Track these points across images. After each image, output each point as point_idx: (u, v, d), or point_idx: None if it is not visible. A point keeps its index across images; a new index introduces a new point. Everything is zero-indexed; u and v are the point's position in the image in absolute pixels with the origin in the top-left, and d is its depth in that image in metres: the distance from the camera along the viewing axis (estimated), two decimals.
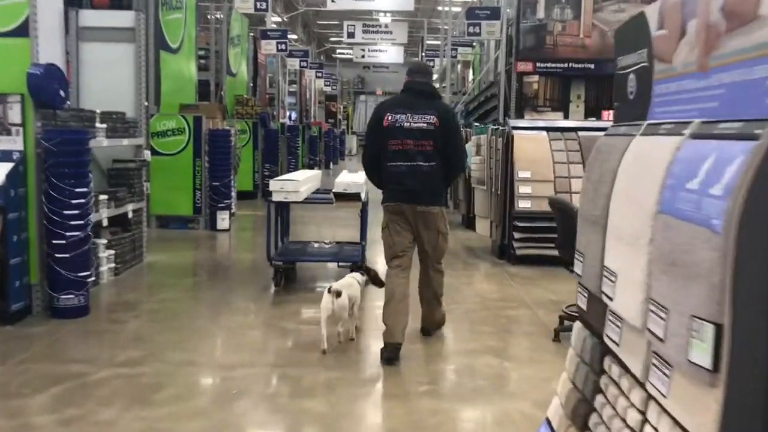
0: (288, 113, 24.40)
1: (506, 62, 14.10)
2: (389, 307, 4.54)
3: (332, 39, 41.38)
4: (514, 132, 8.08)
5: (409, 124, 4.50)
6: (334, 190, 6.28)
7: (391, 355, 4.45)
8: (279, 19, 32.78)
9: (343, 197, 6.17)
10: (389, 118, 4.55)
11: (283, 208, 7.07)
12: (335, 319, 4.63)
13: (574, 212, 4.59)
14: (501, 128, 8.38)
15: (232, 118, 13.96)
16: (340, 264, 6.62)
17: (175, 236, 9.61)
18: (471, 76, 19.29)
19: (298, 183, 6.25)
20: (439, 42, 25.18)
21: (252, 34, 17.40)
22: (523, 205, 7.87)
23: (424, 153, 4.49)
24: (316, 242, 7.54)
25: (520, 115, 13.17)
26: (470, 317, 5.79)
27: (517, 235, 7.85)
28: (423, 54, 22.46)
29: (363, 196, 6.31)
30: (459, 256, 8.51)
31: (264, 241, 6.73)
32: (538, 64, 13.51)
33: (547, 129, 8.44)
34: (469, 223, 10.52)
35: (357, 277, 5.03)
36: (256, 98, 16.36)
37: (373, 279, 5.13)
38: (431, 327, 5.08)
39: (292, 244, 7.43)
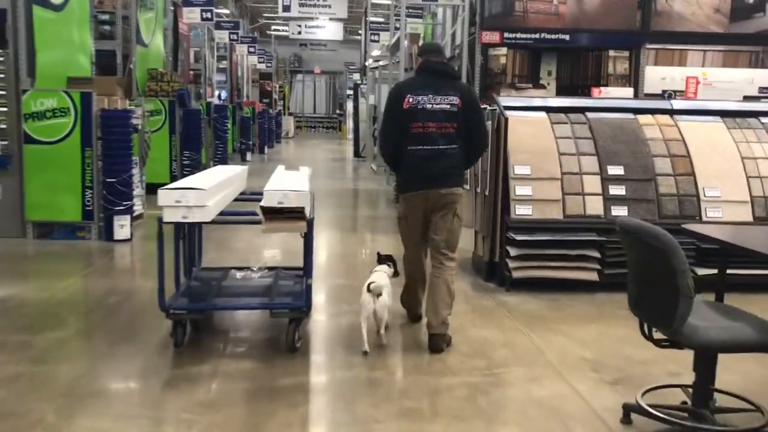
0: (217, 92, 21.83)
1: (469, 32, 11.98)
2: (410, 291, 4.73)
3: (266, 15, 38.59)
4: (507, 114, 5.94)
5: (431, 105, 4.26)
6: (262, 204, 4.00)
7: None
8: None
9: (277, 215, 3.92)
10: (410, 99, 4.29)
11: (191, 227, 4.79)
12: (376, 320, 4.27)
13: (669, 247, 2.54)
14: (489, 109, 6.23)
15: (144, 95, 11.45)
16: (274, 313, 4.37)
17: (55, 251, 7.17)
18: None
19: (204, 193, 3.96)
20: (380, 19, 22.95)
21: None
22: (521, 211, 5.77)
23: (447, 135, 4.28)
24: (240, 269, 5.27)
25: (484, 96, 11.14)
26: (479, 408, 3.62)
27: (513, 252, 5.75)
28: (368, 29, 20.11)
29: (308, 210, 4.07)
30: None
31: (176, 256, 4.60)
32: (505, 35, 11.47)
33: (547, 109, 6.34)
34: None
35: (387, 270, 4.60)
36: (177, 74, 13.84)
37: (396, 272, 4.73)
38: (442, 334, 4.35)
39: (204, 275, 5.13)
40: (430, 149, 4.26)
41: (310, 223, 4.13)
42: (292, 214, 3.91)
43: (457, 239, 4.52)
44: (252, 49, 23.27)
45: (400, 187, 4.61)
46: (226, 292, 4.73)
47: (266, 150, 22.92)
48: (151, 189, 11.41)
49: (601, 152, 5.98)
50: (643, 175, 5.90)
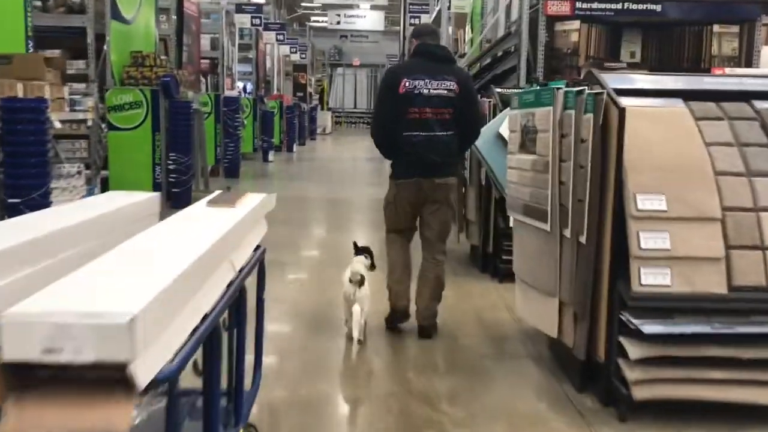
0: (240, 84, 19.47)
1: (530, 3, 9.28)
2: (395, 272, 4.32)
3: (304, 4, 36.22)
4: (623, 101, 3.27)
5: (428, 90, 4.10)
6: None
7: (399, 320, 4.32)
8: None
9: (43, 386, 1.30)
10: (406, 84, 4.10)
11: None
12: (357, 310, 3.95)
13: None
14: (587, 93, 3.52)
15: (120, 84, 9.04)
16: None
17: None
18: (467, 35, 14.40)
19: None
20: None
21: None
22: (650, 278, 3.08)
23: (443, 122, 4.15)
24: None
25: (547, 79, 8.47)
26: None
27: (633, 351, 3.07)
28: (408, 12, 17.46)
29: (160, 363, 1.47)
30: (485, 382, 3.74)
31: None
32: (577, 5, 8.75)
33: (684, 95, 3.62)
34: (491, 268, 5.80)
35: (364, 261, 4.31)
36: (181, 62, 11.44)
37: (373, 264, 4.41)
38: (431, 324, 4.28)
39: None
40: (426, 135, 4.13)
41: None
42: (101, 377, 1.31)
43: (449, 230, 4.46)
44: (281, 37, 20.81)
45: (393, 173, 4.36)
46: None
47: (295, 148, 20.48)
48: None
49: None
50: None
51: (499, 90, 5.82)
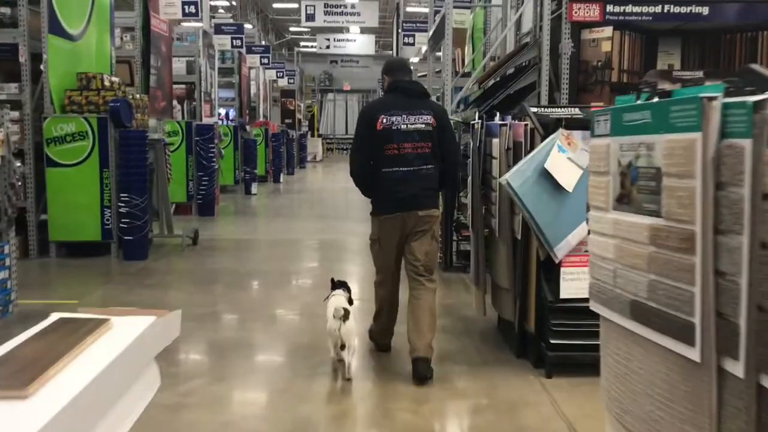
0: (222, 111, 17.88)
1: (551, 9, 7.74)
2: (382, 315, 4.34)
3: (292, 29, 34.84)
4: None
5: (406, 126, 4.07)
6: None
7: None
8: (227, 3, 26.30)
9: None
10: (383, 120, 4.06)
11: None
12: (341, 345, 3.87)
13: None
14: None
15: (63, 111, 7.43)
16: None
17: None
18: (467, 54, 12.86)
19: None
20: (420, 9, 18.79)
21: None
22: None
23: (423, 156, 4.08)
24: None
25: (574, 100, 7.02)
26: None
27: None
28: (401, 31, 15.95)
29: None
30: None
31: None
32: (608, 8, 7.26)
33: None
34: (533, 355, 4.15)
35: (344, 294, 4.26)
36: (148, 86, 9.86)
37: (350, 299, 4.32)
38: (429, 356, 3.99)
39: None
40: (406, 171, 4.06)
41: None
42: None
43: (436, 261, 4.28)
44: (265, 60, 19.27)
45: (375, 209, 4.22)
46: None
47: (282, 178, 18.87)
48: (80, 251, 7.51)
49: None
50: None
51: (535, 109, 4.22)
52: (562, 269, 3.94)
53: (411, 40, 15.29)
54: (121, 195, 7.33)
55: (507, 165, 4.28)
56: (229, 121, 17.28)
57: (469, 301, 5.60)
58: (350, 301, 4.26)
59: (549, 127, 4.04)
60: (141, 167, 7.41)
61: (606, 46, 7.34)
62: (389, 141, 4.04)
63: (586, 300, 3.97)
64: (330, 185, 18.83)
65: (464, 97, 8.94)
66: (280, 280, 6.63)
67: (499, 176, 4.27)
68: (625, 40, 7.39)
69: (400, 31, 15.42)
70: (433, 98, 11.75)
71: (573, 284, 3.96)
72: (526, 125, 4.18)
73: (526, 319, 4.23)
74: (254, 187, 14.75)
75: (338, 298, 4.16)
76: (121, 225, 7.33)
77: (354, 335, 3.95)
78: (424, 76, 12.98)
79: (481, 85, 7.53)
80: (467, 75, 10.74)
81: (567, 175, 3.86)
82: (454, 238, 6.91)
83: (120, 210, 7.33)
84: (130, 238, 7.30)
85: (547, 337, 3.98)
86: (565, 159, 3.87)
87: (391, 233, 4.11)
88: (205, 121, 13.50)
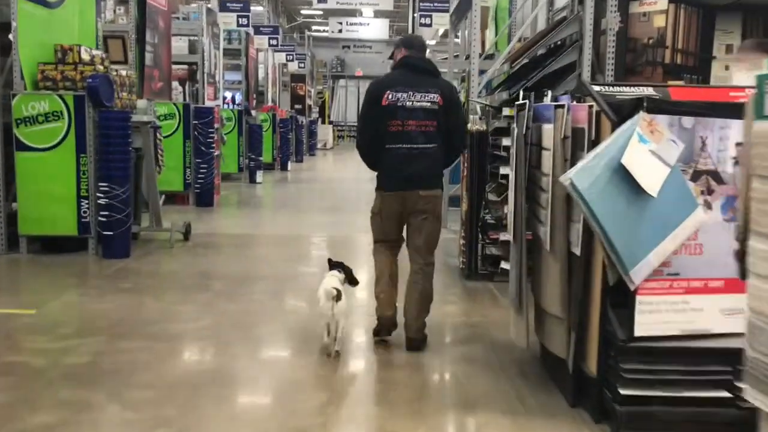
0: (229, 94, 16.93)
1: None
2: (382, 281, 4.15)
3: (304, 12, 33.75)
4: None
5: (411, 103, 4.02)
6: None
7: (387, 330, 4.16)
8: None
9: None
10: (389, 96, 4.03)
11: None
12: (333, 326, 3.89)
13: None
14: None
15: (36, 88, 6.49)
16: None
17: None
18: (491, 34, 11.79)
19: None
20: None
21: None
22: None
23: (427, 134, 4.04)
24: None
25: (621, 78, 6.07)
26: None
27: None
28: (417, 12, 14.88)
29: None
30: None
31: None
32: None
33: None
34: (596, 404, 3.17)
35: (338, 275, 4.17)
36: (143, 64, 8.88)
37: (350, 278, 4.28)
38: (420, 337, 4.12)
39: None
40: (410, 148, 4.04)
41: None
42: None
43: (437, 241, 4.23)
44: (274, 41, 18.25)
45: (378, 184, 4.19)
46: None
47: (290, 166, 17.90)
48: (50, 247, 6.48)
49: None
50: None
51: (600, 89, 3.23)
52: (638, 298, 2.97)
53: (428, 21, 14.17)
54: (100, 184, 6.39)
55: (563, 158, 3.30)
56: (235, 105, 16.33)
57: (499, 319, 4.64)
58: (353, 282, 4.28)
59: (621, 110, 3.05)
60: (123, 153, 6.46)
61: (659, 21, 6.31)
62: (393, 117, 4.02)
63: (667, 339, 3.00)
64: (340, 174, 17.86)
65: (488, 80, 7.91)
66: (280, 288, 5.68)
67: (552, 171, 3.29)
68: (680, 15, 6.38)
69: (415, 14, 14.32)
70: (456, 82, 10.73)
71: (651, 318, 3.00)
72: (590, 107, 3.19)
73: (584, 358, 3.26)
74: (259, 176, 13.80)
75: (330, 279, 4.08)
76: (99, 218, 6.40)
77: (345, 316, 3.98)
78: (445, 59, 11.94)
79: (513, 64, 6.50)
80: (490, 57, 9.71)
81: (650, 174, 2.88)
82: (480, 240, 5.92)
83: (99, 201, 6.40)
84: (110, 233, 6.37)
85: (615, 384, 3.01)
86: (647, 152, 2.88)
87: (391, 208, 4.12)
88: (208, 104, 12.55)
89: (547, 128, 3.39)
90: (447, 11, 14.42)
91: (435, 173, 4.13)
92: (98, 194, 6.40)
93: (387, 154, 4.07)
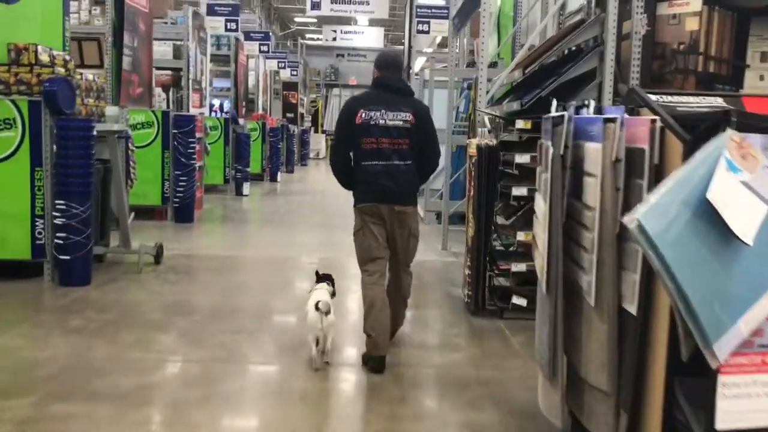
0: (218, 102, 16.17)
1: None
2: (371, 316, 4.04)
3: (297, 20, 33.06)
4: None
5: (384, 121, 4.11)
6: None
7: (378, 368, 3.96)
8: None
9: None
10: (362, 115, 4.13)
11: None
12: (322, 338, 3.95)
13: None
14: None
15: None
16: None
17: None
18: (493, 42, 11.05)
19: None
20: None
21: None
22: None
23: (400, 152, 4.12)
24: None
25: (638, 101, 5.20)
26: None
27: None
28: (414, 18, 14.15)
29: None
30: None
31: None
32: None
33: None
34: None
35: (327, 288, 4.25)
36: (120, 68, 8.10)
37: (333, 292, 4.35)
38: (394, 329, 4.34)
39: None
40: (384, 165, 4.11)
41: None
42: None
43: (413, 255, 4.32)
44: (265, 47, 17.50)
45: (355, 200, 4.24)
46: None
47: (280, 177, 17.09)
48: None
49: None
50: None
51: (666, 100, 2.49)
52: (721, 378, 2.20)
53: (426, 27, 13.49)
54: (57, 202, 5.60)
55: (613, 187, 2.54)
56: (223, 113, 15.55)
57: (516, 373, 3.88)
58: (333, 294, 4.26)
59: (695, 126, 2.30)
60: (84, 166, 5.67)
61: (692, 24, 5.58)
62: (367, 135, 4.09)
63: None
64: (332, 186, 17.00)
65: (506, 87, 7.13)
66: (258, 326, 4.87)
67: (600, 204, 2.54)
68: (713, 18, 5.66)
69: (411, 21, 13.57)
70: (456, 93, 9.94)
71: (738, 405, 2.22)
72: (652, 122, 2.43)
73: None
74: (246, 188, 13.00)
75: (320, 292, 4.12)
76: (56, 241, 5.60)
77: (333, 328, 4.01)
78: (444, 67, 11.22)
79: (525, 71, 5.75)
80: (493, 66, 8.97)
81: (743, 214, 2.12)
82: (488, 270, 5.15)
83: (55, 221, 5.60)
84: (67, 257, 5.58)
85: None
86: (738, 185, 2.12)
87: (370, 222, 4.12)
88: (193, 111, 11.77)
89: (592, 148, 2.63)
90: (446, 17, 13.71)
91: (409, 190, 4.20)
92: (55, 214, 5.61)
93: (362, 170, 4.13)
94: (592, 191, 2.61)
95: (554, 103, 3.06)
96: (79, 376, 3.71)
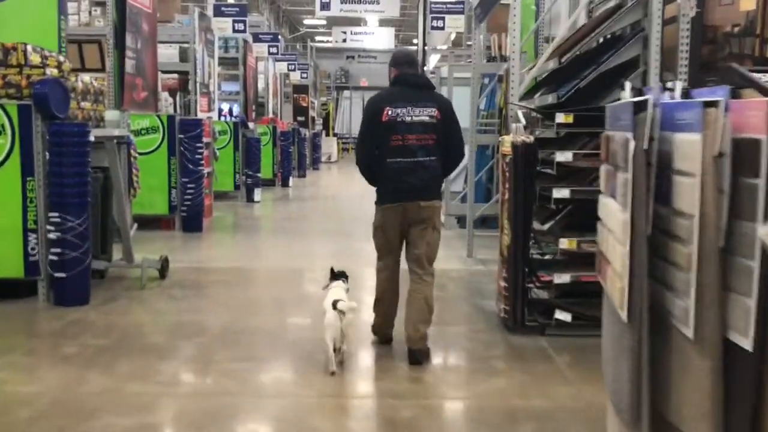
0: (227, 106, 15.70)
1: None
2: (383, 303, 4.28)
3: (307, 23, 32.64)
4: None
5: (410, 118, 4.11)
6: None
7: (383, 340, 4.33)
8: None
9: None
10: (389, 112, 4.12)
11: None
12: (339, 338, 3.87)
13: None
14: None
15: None
16: None
17: None
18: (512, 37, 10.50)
19: None
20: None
21: None
22: None
23: (426, 147, 4.12)
24: None
25: (696, 82, 4.78)
26: None
27: None
28: (428, 14, 13.65)
29: None
30: None
31: None
32: None
33: None
34: None
35: (343, 286, 4.23)
36: (122, 71, 7.64)
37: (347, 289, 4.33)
38: (422, 348, 4.07)
39: None
40: (410, 161, 4.11)
41: None
42: None
43: (436, 252, 4.27)
44: (274, 50, 17.03)
45: (378, 198, 4.25)
46: None
47: (291, 182, 16.62)
48: None
49: None
50: None
51: (760, 77, 1.97)
52: None
53: (440, 23, 12.98)
54: (50, 215, 5.12)
55: (716, 189, 2.01)
56: (232, 118, 15.10)
57: (572, 403, 3.34)
58: (346, 291, 4.25)
59: None
60: (79, 175, 5.19)
61: (747, 4, 5.03)
62: (394, 132, 4.09)
63: None
64: (346, 191, 16.54)
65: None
66: (273, 350, 4.36)
67: (701, 209, 2.01)
68: None
69: (425, 17, 13.04)
70: (476, 86, 9.42)
71: None
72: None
73: None
74: (257, 194, 12.52)
75: (337, 290, 4.10)
76: (50, 257, 5.13)
77: (349, 328, 3.96)
78: (470, 61, 10.70)
79: (562, 60, 5.21)
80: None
81: None
82: (528, 283, 4.62)
83: (49, 236, 5.13)
84: (63, 275, 5.10)
85: None
86: None
87: (392, 221, 4.16)
88: (201, 116, 11.30)
89: (687, 140, 2.10)
90: (461, 12, 13.18)
91: (434, 185, 4.24)
92: (49, 227, 5.13)
93: (388, 167, 4.13)
94: (688, 194, 2.07)
95: (627, 86, 2.52)
96: (67, 415, 3.22)
